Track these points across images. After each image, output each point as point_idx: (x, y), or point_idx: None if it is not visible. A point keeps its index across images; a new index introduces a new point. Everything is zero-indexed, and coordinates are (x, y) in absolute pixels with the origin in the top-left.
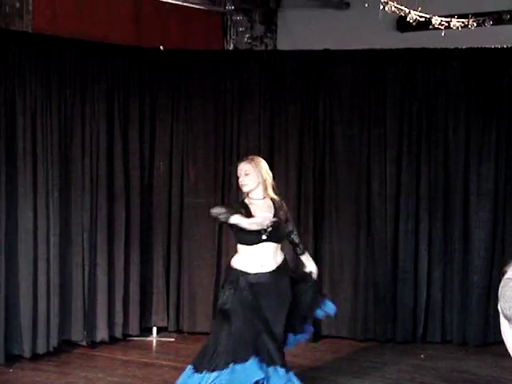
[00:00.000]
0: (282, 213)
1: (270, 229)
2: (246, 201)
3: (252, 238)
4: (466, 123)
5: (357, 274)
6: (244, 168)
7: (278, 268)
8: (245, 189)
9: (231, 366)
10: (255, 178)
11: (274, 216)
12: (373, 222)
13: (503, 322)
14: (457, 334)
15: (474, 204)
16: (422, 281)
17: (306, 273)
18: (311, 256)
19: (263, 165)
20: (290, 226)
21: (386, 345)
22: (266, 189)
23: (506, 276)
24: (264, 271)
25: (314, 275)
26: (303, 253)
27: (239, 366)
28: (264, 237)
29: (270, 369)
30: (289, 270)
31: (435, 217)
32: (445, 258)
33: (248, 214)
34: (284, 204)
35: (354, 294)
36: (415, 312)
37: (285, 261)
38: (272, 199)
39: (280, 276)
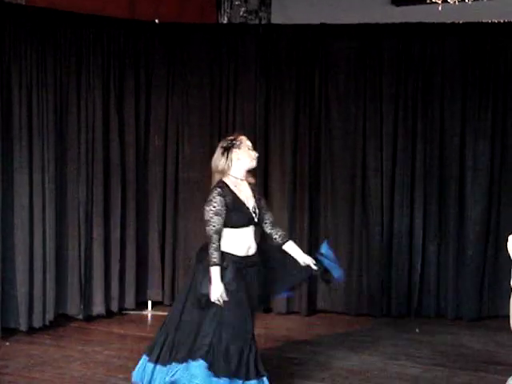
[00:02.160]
0: (257, 196)
1: (257, 211)
2: (228, 181)
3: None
4: (462, 99)
5: (352, 249)
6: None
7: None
8: (255, 164)
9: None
10: None
11: (255, 201)
12: (368, 197)
13: None
14: (451, 308)
15: (470, 180)
16: (417, 256)
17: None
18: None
19: None
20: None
21: (381, 319)
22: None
23: None
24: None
25: (314, 267)
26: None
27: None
28: (254, 220)
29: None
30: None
31: (430, 192)
32: (440, 233)
33: (235, 199)
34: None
35: (348, 270)
36: (410, 287)
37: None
38: (248, 181)
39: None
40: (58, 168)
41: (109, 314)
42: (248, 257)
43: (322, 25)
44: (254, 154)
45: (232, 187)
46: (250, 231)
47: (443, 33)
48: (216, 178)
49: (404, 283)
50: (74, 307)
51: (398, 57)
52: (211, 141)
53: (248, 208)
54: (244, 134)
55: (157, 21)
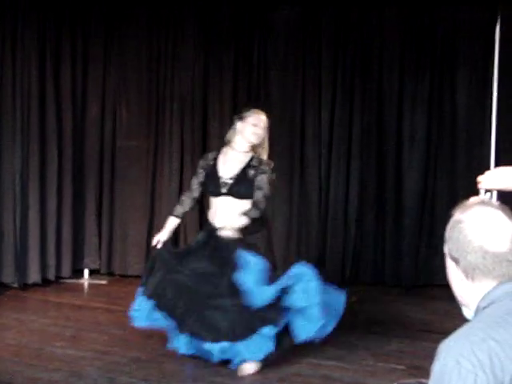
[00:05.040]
0: (252, 173)
1: (231, 181)
2: (224, 150)
3: (213, 190)
4: (399, 69)
5: (289, 218)
6: (264, 121)
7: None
8: (255, 140)
9: None
10: (263, 135)
11: (237, 173)
12: (306, 166)
13: (450, 263)
14: (388, 276)
15: (407, 149)
16: (352, 224)
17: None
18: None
19: None
20: (258, 194)
21: None
22: (258, 148)
23: (454, 218)
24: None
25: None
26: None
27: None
28: (223, 190)
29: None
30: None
31: (368, 162)
32: (377, 201)
33: (212, 168)
34: (267, 170)
35: (285, 239)
36: (346, 255)
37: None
38: (255, 157)
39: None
40: None
41: (45, 282)
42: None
43: None
44: (256, 131)
45: (220, 156)
46: (221, 202)
47: (382, 3)
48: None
49: (340, 252)
50: (9, 275)
51: (337, 26)
52: (149, 110)
53: (220, 178)
54: (262, 110)
55: None
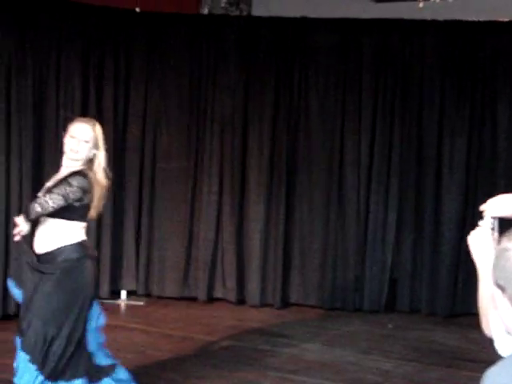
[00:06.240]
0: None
1: None
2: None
3: None
4: (440, 96)
5: (326, 242)
6: (86, 131)
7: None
8: (73, 156)
9: None
10: (89, 149)
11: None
12: (344, 191)
13: (496, 292)
14: (425, 304)
15: (447, 176)
16: (391, 251)
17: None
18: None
19: (101, 133)
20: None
21: (354, 314)
22: (92, 162)
23: (501, 246)
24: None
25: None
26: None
27: None
28: None
29: None
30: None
31: (407, 187)
32: (416, 228)
33: None
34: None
35: (322, 263)
36: (383, 282)
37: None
38: (79, 172)
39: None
40: (36, 154)
41: None
42: (36, 255)
43: (303, 18)
44: (73, 145)
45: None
46: (41, 224)
47: (423, 30)
48: None
49: (378, 278)
50: None
51: (378, 52)
52: (189, 132)
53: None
54: (86, 118)
55: (138, 9)
